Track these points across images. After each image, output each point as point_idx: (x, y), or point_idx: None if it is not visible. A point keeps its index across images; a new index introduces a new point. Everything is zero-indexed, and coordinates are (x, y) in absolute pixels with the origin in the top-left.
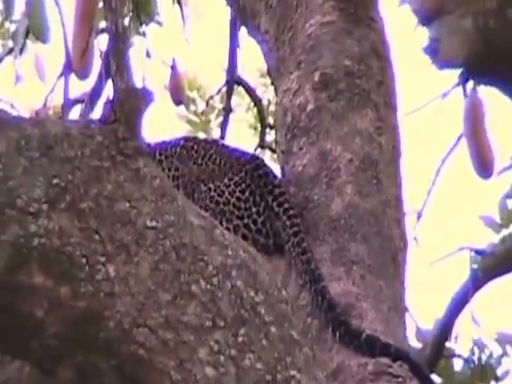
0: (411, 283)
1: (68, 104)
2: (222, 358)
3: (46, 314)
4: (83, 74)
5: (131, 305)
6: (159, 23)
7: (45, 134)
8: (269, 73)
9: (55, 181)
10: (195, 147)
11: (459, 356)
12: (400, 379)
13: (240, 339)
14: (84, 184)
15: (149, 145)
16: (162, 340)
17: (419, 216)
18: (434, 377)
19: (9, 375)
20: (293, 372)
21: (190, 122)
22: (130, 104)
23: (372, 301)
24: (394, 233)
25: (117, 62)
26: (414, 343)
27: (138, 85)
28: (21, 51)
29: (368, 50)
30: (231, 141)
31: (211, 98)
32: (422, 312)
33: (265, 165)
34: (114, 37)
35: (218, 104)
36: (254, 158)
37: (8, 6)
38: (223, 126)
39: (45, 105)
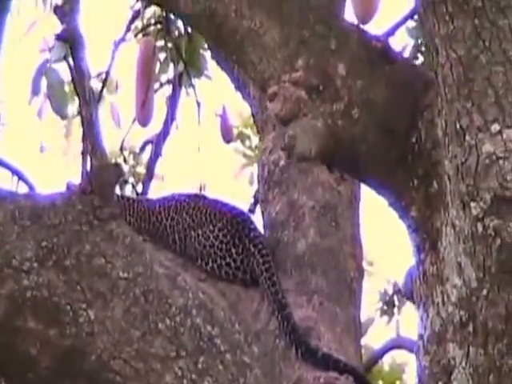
0: None
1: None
2: (185, 381)
3: (39, 351)
4: (144, 122)
5: (108, 341)
6: (208, 77)
7: (35, 205)
8: (258, 131)
9: (43, 243)
10: (187, 200)
11: None
12: None
13: (200, 366)
14: (67, 245)
15: (151, 199)
16: (134, 369)
17: None
18: None
19: None
20: None
21: (245, 155)
22: (104, 178)
23: (328, 324)
24: (350, 265)
25: (92, 144)
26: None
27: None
28: (98, 101)
29: None
30: None
31: None
32: None
33: (243, 213)
34: (88, 124)
35: None
36: (234, 208)
37: (34, 87)
38: None
39: (121, 148)
